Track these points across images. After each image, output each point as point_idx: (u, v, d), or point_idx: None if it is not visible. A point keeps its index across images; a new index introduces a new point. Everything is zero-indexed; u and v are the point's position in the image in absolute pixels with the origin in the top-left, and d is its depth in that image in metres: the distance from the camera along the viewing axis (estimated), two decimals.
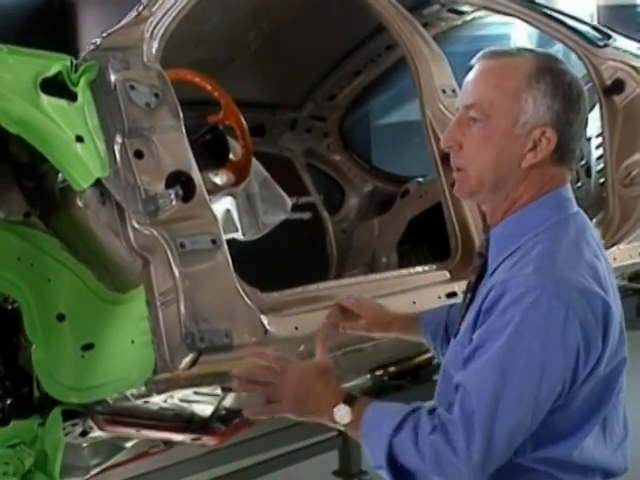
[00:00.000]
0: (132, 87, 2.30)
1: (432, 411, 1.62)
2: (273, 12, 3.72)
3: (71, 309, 2.39)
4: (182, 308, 2.19)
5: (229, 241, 3.22)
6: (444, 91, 3.10)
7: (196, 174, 2.32)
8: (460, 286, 2.82)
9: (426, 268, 2.91)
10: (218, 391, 2.46)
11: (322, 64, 4.40)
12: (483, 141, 1.67)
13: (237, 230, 3.08)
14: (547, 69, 1.66)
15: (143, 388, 2.25)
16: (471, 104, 1.69)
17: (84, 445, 2.72)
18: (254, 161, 3.04)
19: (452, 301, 2.79)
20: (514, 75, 1.66)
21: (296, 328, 2.40)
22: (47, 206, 2.46)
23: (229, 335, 2.25)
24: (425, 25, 4.10)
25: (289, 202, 3.18)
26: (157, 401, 2.43)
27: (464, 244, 2.99)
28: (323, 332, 1.97)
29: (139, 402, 2.41)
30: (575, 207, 1.74)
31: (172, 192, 2.24)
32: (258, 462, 3.79)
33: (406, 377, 3.79)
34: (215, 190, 2.99)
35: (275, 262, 4.36)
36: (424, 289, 2.74)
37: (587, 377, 1.62)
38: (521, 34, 4.22)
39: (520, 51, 1.73)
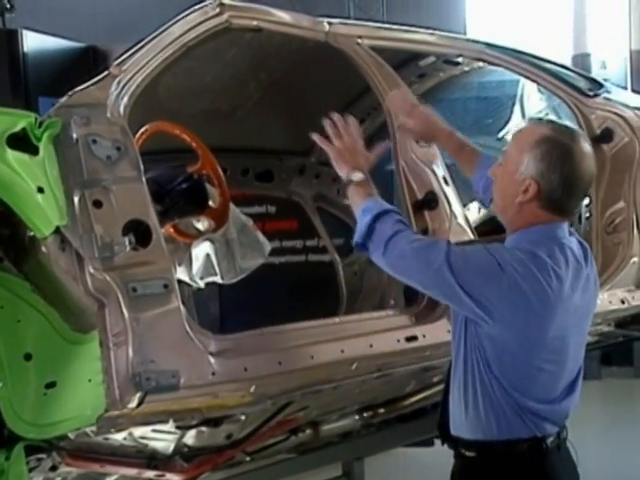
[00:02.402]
0: (94, 141, 2.46)
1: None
2: (270, 64, 3.86)
3: (38, 349, 2.52)
4: (130, 350, 2.32)
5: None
6: (417, 141, 3.19)
7: (153, 222, 2.45)
8: (422, 330, 2.90)
9: (390, 312, 2.99)
10: (175, 429, 2.57)
11: (325, 113, 4.51)
12: (500, 178, 2.34)
13: (216, 274, 3.20)
14: (548, 139, 2.23)
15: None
16: (503, 153, 2.38)
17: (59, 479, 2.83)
18: (233, 208, 3.17)
19: (413, 345, 2.87)
20: (526, 139, 2.27)
21: (245, 369, 2.50)
22: (20, 252, 2.61)
23: (176, 376, 2.36)
24: (423, 76, 4.23)
25: (268, 247, 3.30)
26: (117, 438, 2.54)
27: None
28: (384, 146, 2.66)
29: (99, 438, 2.52)
30: (561, 240, 2.27)
31: (126, 239, 2.38)
32: None
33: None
34: (195, 235, 3.13)
35: (285, 304, 4.47)
36: (383, 333, 2.81)
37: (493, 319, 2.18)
38: None
39: (542, 122, 2.39)
